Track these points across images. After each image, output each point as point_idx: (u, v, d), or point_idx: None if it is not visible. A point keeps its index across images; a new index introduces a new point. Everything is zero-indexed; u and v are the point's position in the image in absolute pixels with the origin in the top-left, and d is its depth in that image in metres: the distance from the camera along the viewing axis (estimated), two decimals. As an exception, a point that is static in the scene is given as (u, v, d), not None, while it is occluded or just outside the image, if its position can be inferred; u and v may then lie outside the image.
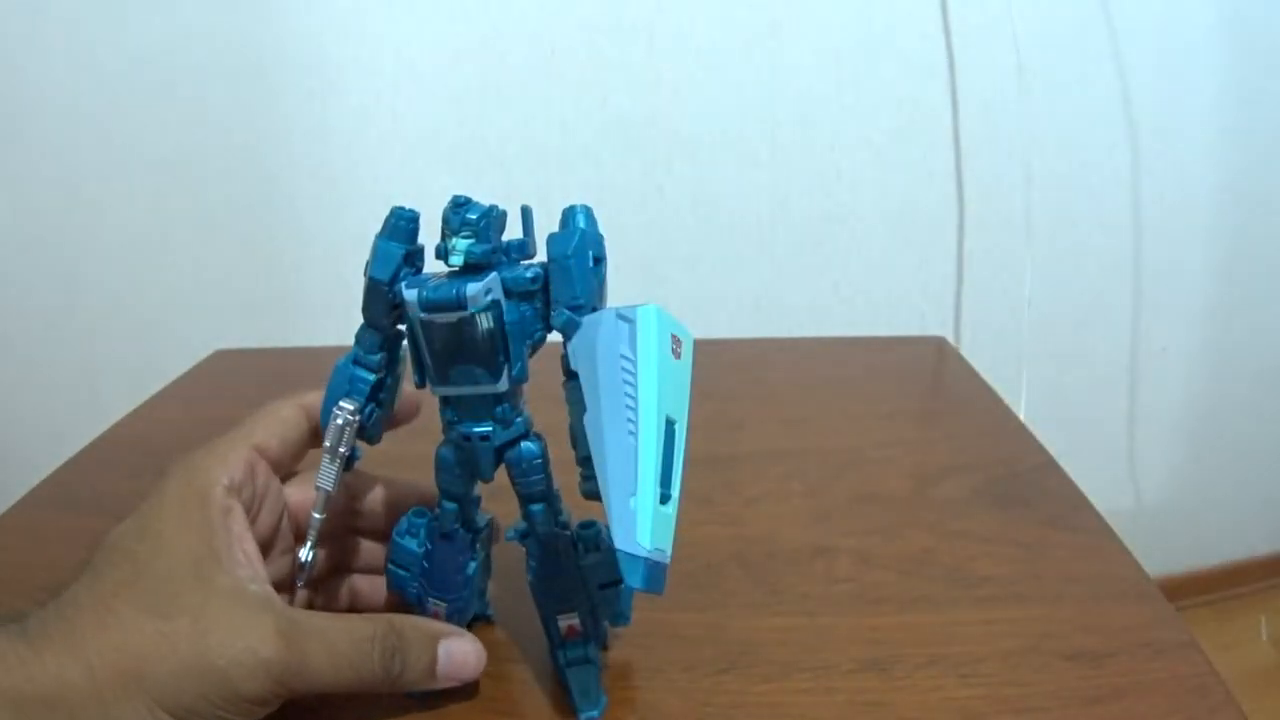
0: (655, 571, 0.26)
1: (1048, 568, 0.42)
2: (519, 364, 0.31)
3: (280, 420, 0.35)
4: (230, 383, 0.68)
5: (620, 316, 0.28)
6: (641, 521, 0.26)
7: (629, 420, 0.27)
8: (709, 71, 1.07)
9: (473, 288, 0.29)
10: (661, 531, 0.27)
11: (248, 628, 0.29)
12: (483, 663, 0.34)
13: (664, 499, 0.27)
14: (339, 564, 0.39)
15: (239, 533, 0.32)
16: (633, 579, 0.26)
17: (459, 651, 0.33)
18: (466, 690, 0.35)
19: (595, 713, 0.33)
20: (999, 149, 1.13)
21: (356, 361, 0.33)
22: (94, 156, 1.06)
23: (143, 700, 0.28)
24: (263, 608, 0.30)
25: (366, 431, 0.34)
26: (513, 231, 0.32)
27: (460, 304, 0.29)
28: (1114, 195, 1.19)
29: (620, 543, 0.26)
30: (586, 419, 0.28)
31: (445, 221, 0.31)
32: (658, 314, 0.28)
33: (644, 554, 0.26)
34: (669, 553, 0.27)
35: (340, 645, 0.31)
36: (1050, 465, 0.52)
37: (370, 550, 0.39)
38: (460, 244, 0.30)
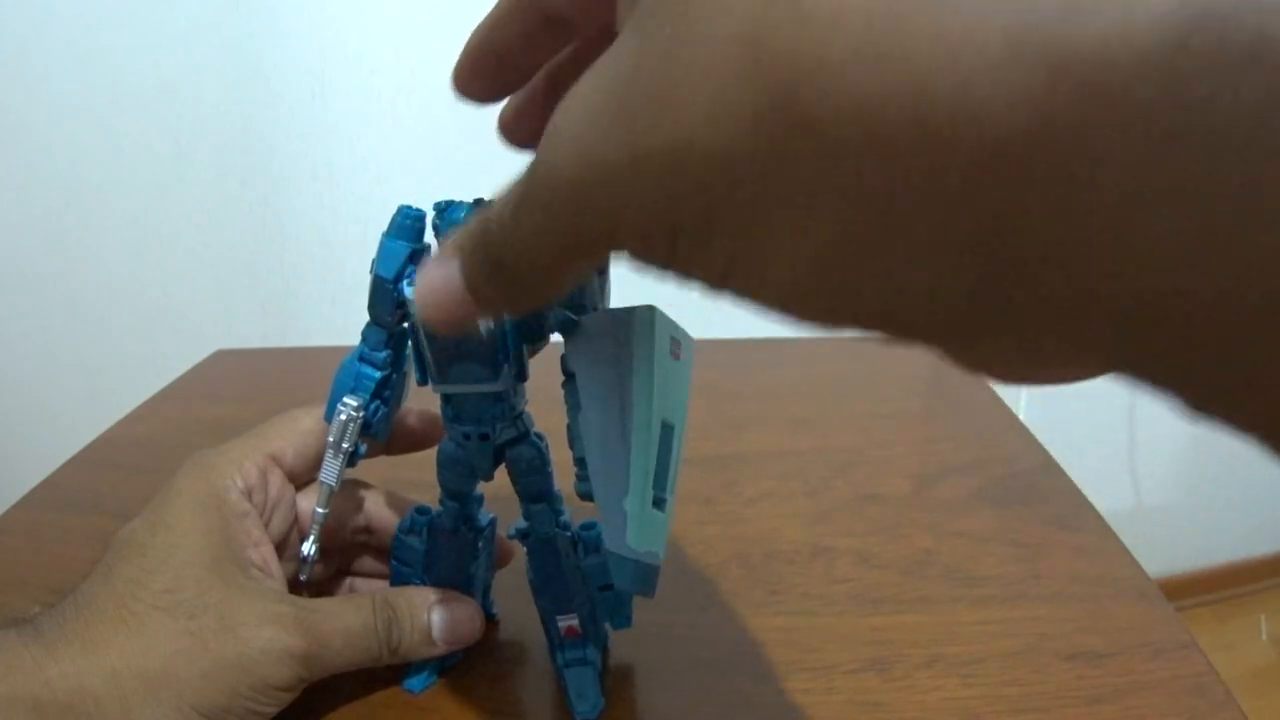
0: (645, 573, 0.26)
1: (1048, 568, 0.42)
2: (518, 363, 0.31)
3: (299, 430, 0.35)
4: (230, 383, 0.68)
5: (618, 317, 0.28)
6: (632, 523, 0.26)
7: (623, 422, 0.27)
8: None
9: None
10: (653, 534, 0.26)
11: (271, 619, 0.30)
12: (479, 624, 0.35)
13: (658, 502, 0.27)
14: (340, 567, 0.39)
15: (256, 537, 0.32)
16: (622, 580, 0.26)
17: (453, 615, 0.34)
18: (467, 689, 0.35)
19: (592, 714, 0.33)
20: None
21: (362, 359, 0.34)
22: (94, 156, 1.06)
23: (171, 701, 0.28)
24: (280, 599, 0.31)
25: (372, 428, 0.34)
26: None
27: None
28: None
29: (610, 544, 0.26)
30: (581, 419, 0.28)
31: (435, 229, 0.31)
32: (656, 315, 0.28)
33: (634, 555, 0.26)
34: (661, 555, 0.27)
35: (352, 625, 0.31)
36: (1050, 465, 0.52)
37: (372, 561, 0.39)
38: None
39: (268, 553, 0.32)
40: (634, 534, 0.26)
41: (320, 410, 0.35)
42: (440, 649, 0.34)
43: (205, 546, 0.30)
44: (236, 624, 0.29)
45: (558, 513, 0.34)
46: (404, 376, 0.35)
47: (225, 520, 0.31)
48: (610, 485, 0.26)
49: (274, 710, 0.30)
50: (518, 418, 0.33)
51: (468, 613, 0.34)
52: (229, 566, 0.30)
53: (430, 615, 0.33)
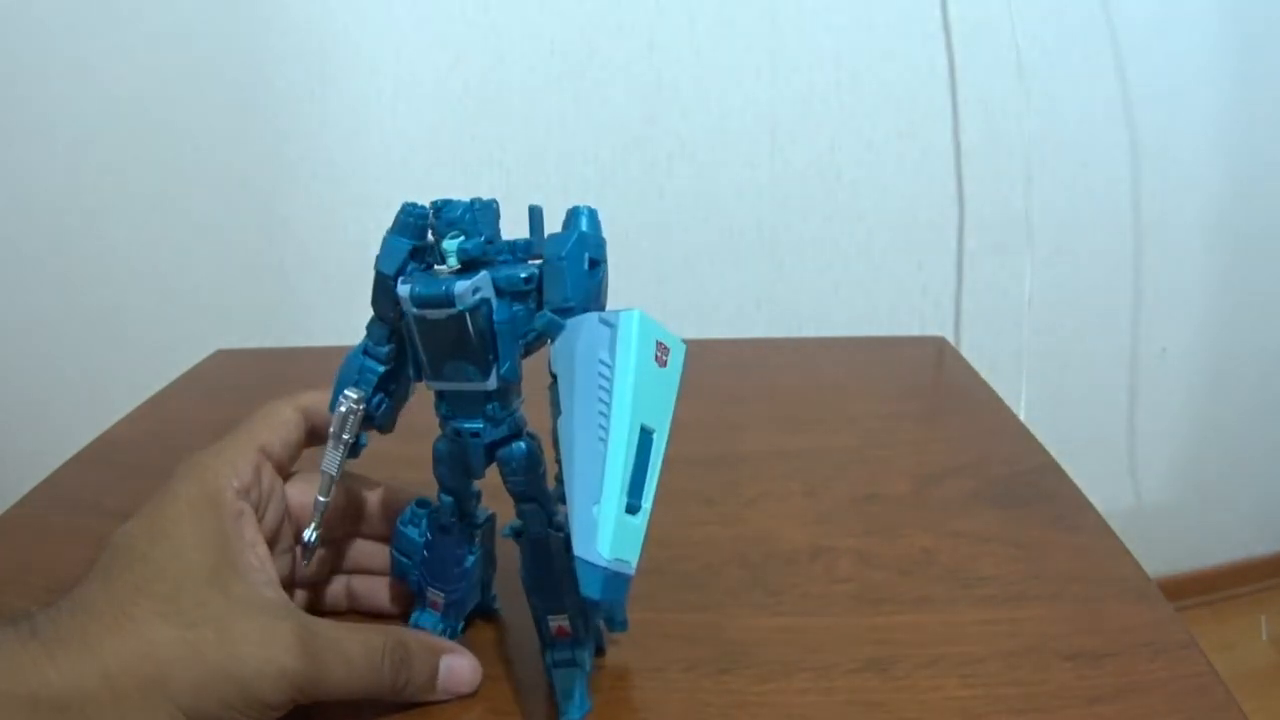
0: (615, 582, 0.25)
1: (1048, 568, 0.42)
2: (508, 363, 0.31)
3: (281, 421, 0.36)
4: (230, 383, 0.68)
5: (603, 321, 0.28)
6: (603, 530, 0.25)
7: (600, 426, 0.26)
8: (709, 71, 1.07)
9: (460, 285, 0.29)
10: (625, 542, 0.26)
11: (270, 638, 0.30)
12: (478, 679, 0.35)
13: (633, 509, 0.26)
14: (336, 566, 0.39)
15: (251, 537, 0.32)
16: (589, 588, 0.25)
17: (458, 667, 0.34)
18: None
19: (577, 715, 0.33)
20: (999, 149, 1.13)
21: (366, 352, 0.34)
22: (94, 157, 1.06)
23: (163, 706, 0.28)
24: (281, 615, 0.31)
25: (375, 420, 0.35)
26: (522, 231, 0.32)
27: (449, 301, 0.29)
28: (1114, 195, 1.19)
29: (579, 550, 0.25)
30: (560, 422, 0.28)
31: (432, 229, 0.31)
32: (640, 320, 0.27)
33: (603, 563, 0.25)
34: (633, 564, 0.26)
35: (355, 656, 0.31)
36: (1050, 465, 0.52)
37: (368, 553, 0.39)
38: (450, 245, 0.30)
39: (263, 552, 0.32)
40: (605, 541, 0.25)
41: (296, 399, 0.36)
42: (437, 697, 0.34)
43: (204, 555, 0.31)
44: (235, 639, 0.29)
45: (551, 513, 0.34)
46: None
47: (222, 524, 0.31)
48: (583, 490, 0.26)
49: None
50: (510, 417, 0.33)
51: (469, 666, 0.35)
52: (228, 575, 0.30)
53: (439, 663, 0.34)
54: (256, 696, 0.29)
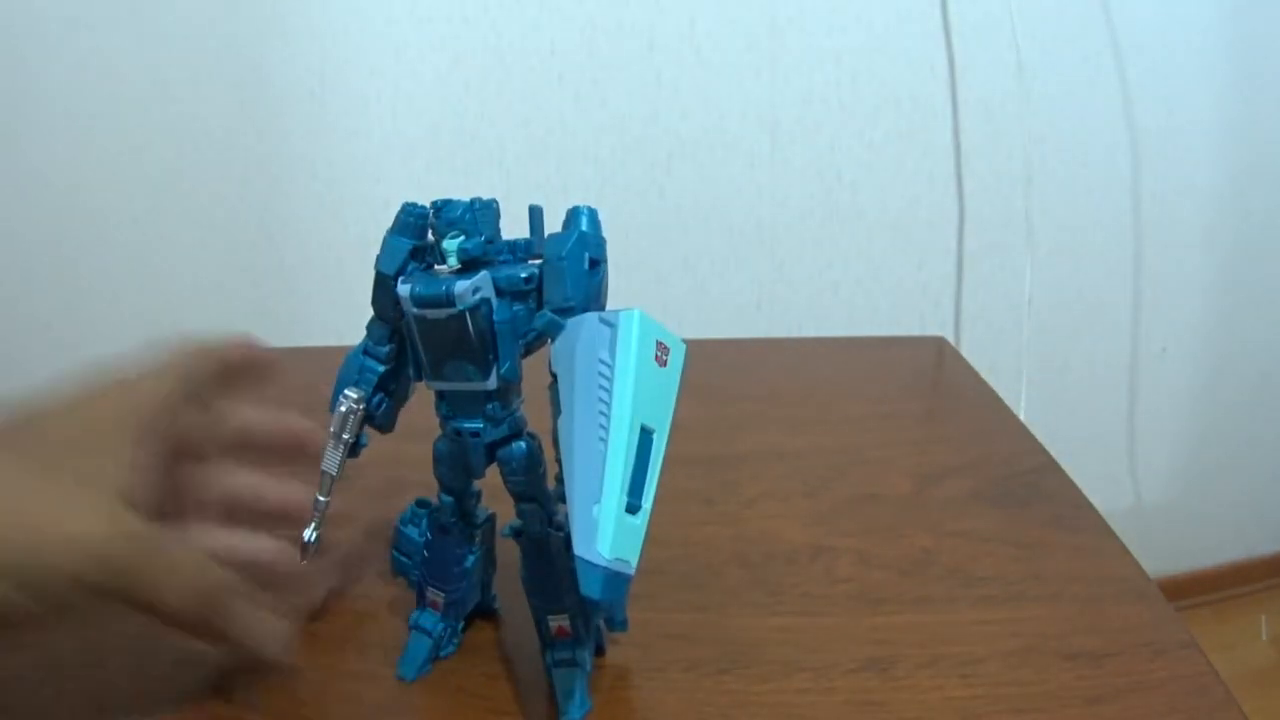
0: (615, 582, 0.26)
1: (1048, 568, 0.42)
2: (508, 363, 0.31)
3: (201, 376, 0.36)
4: (230, 383, 0.68)
5: (602, 320, 0.28)
6: (603, 529, 0.25)
7: (600, 426, 0.26)
8: (709, 71, 1.07)
9: (460, 285, 0.29)
10: (625, 542, 0.26)
11: (100, 508, 0.28)
12: (283, 647, 0.33)
13: (633, 509, 0.26)
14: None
15: (148, 450, 0.31)
16: (589, 588, 0.25)
17: (274, 624, 0.33)
18: (464, 686, 0.35)
19: (578, 715, 0.33)
20: (999, 149, 1.13)
21: (366, 352, 0.34)
22: (94, 156, 1.06)
23: None
24: (125, 502, 0.29)
25: (376, 420, 0.35)
26: (522, 231, 0.32)
27: (449, 300, 0.29)
28: (1114, 195, 1.19)
29: (580, 549, 0.25)
30: (560, 422, 0.28)
31: (432, 228, 0.31)
32: (640, 319, 0.27)
33: (603, 563, 0.25)
34: (634, 564, 0.26)
35: (185, 566, 0.30)
36: (1050, 465, 0.52)
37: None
38: (450, 244, 0.30)
39: (144, 462, 0.31)
40: (605, 541, 0.25)
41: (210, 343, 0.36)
42: (245, 647, 0.32)
43: (86, 431, 0.30)
44: (62, 492, 0.27)
45: (551, 513, 0.34)
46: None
47: (139, 427, 0.31)
48: (583, 490, 0.26)
49: (42, 610, 0.27)
50: (510, 417, 0.33)
51: (281, 631, 0.33)
52: (94, 456, 0.29)
53: (259, 614, 0.32)
54: (60, 566, 0.26)
